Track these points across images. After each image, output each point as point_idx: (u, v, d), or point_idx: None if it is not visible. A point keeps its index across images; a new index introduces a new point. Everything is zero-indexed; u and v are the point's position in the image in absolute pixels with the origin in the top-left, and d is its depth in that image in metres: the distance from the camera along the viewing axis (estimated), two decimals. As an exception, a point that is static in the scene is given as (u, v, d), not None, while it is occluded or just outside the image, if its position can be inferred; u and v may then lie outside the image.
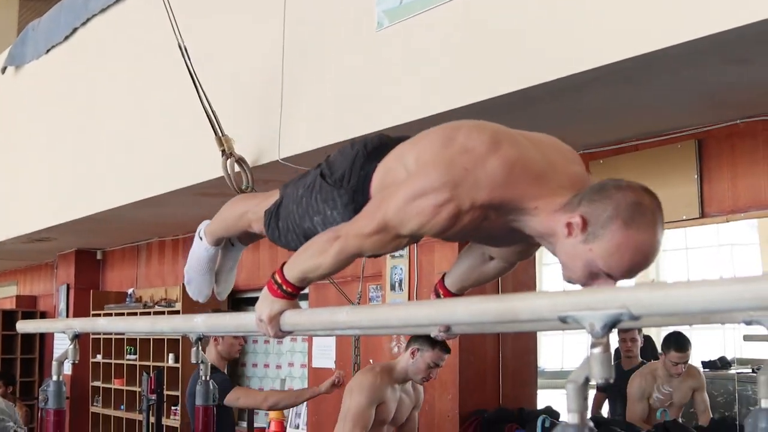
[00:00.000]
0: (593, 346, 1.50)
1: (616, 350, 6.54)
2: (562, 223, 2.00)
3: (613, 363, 1.52)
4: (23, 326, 3.94)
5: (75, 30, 8.47)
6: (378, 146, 2.42)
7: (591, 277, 1.98)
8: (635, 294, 1.45)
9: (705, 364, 8.56)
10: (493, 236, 2.29)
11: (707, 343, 9.43)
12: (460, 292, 2.71)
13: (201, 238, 3.02)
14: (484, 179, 2.04)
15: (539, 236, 2.11)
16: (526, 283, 6.42)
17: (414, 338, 4.71)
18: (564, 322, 1.56)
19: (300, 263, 2.28)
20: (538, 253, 6.32)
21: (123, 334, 9.07)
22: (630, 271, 1.96)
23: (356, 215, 2.26)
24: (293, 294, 2.31)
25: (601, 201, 1.96)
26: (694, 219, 5.06)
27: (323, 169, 2.49)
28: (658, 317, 1.45)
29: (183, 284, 8.73)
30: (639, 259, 1.94)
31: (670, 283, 1.42)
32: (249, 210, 2.80)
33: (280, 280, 2.29)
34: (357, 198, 2.37)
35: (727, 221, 5.02)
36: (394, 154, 2.34)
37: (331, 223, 2.40)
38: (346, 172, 2.40)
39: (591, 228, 1.95)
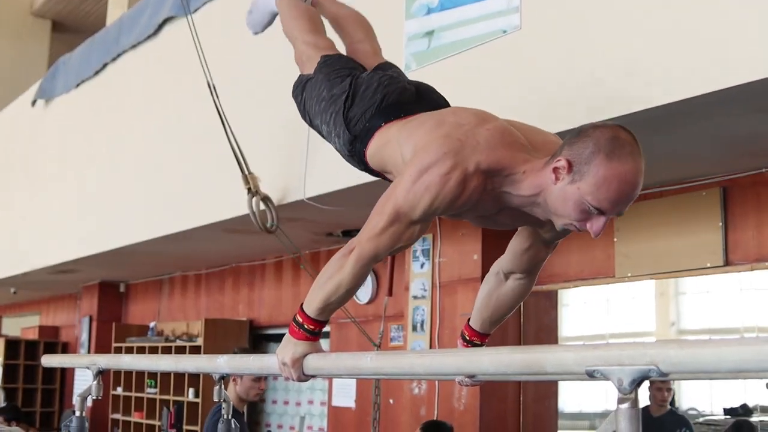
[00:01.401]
0: (621, 401, 1.50)
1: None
2: (548, 173, 2.10)
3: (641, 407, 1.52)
4: (48, 360, 3.94)
5: (105, 65, 8.58)
6: (393, 104, 2.56)
7: (583, 216, 2.08)
8: (665, 351, 1.45)
9: (727, 411, 8.49)
10: (490, 216, 2.35)
11: (728, 390, 9.34)
12: (484, 328, 2.70)
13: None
14: (481, 143, 2.16)
15: (530, 201, 2.19)
16: (548, 325, 6.41)
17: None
18: (591, 377, 1.55)
19: (319, 291, 2.27)
20: (558, 295, 6.35)
21: (145, 368, 9.07)
22: (618, 203, 2.05)
23: (366, 221, 2.28)
24: (316, 332, 2.30)
25: (581, 141, 2.06)
26: (718, 267, 5.04)
27: (351, 92, 2.65)
28: (688, 374, 1.45)
29: (204, 319, 8.79)
30: (625, 189, 2.03)
31: (700, 341, 1.42)
32: (299, 40, 3.06)
33: (301, 320, 2.29)
34: (355, 144, 2.59)
35: (752, 270, 4.99)
36: (396, 132, 2.45)
37: (333, 142, 2.69)
38: (358, 116, 2.58)
39: (576, 167, 2.05)
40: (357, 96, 2.63)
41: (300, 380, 2.33)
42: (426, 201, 2.14)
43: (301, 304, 2.31)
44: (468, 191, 2.14)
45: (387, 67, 2.94)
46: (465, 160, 2.12)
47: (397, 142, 2.40)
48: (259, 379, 5.01)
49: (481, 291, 2.73)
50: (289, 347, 2.29)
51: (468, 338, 2.73)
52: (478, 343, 2.71)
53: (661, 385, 6.27)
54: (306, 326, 2.28)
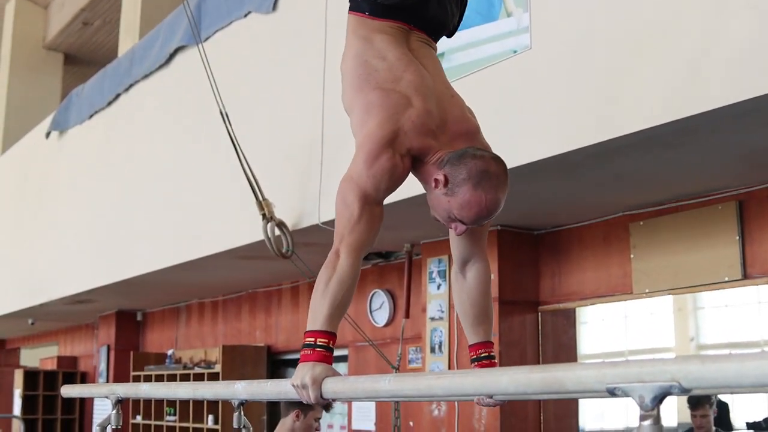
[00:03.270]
0: (643, 419, 1.48)
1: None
2: (433, 177, 2.48)
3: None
4: (68, 391, 3.94)
5: (118, 96, 8.63)
6: (391, 6, 2.69)
7: (449, 220, 2.47)
8: (686, 366, 1.43)
9: (750, 425, 8.43)
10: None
11: (751, 404, 9.28)
12: (479, 336, 2.69)
13: None
14: (408, 132, 2.51)
15: (426, 183, 2.54)
16: (567, 343, 6.38)
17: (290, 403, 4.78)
18: (612, 395, 1.54)
19: (321, 301, 2.31)
20: (576, 313, 6.32)
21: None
22: (476, 220, 2.45)
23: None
24: (329, 347, 2.29)
25: (459, 165, 2.43)
26: (736, 280, 5.01)
27: None
28: (710, 390, 1.43)
29: (222, 346, 8.77)
30: (483, 213, 2.42)
31: (721, 356, 1.40)
32: None
33: (312, 339, 2.28)
34: None
35: (771, 282, 4.97)
36: (361, 48, 2.66)
37: None
38: None
39: (450, 185, 2.43)
40: None
41: (317, 401, 2.30)
42: (386, 181, 2.46)
43: (306, 330, 2.31)
44: (407, 168, 2.51)
45: None
46: (400, 146, 2.48)
47: (350, 60, 2.66)
48: (318, 419, 4.97)
49: (455, 303, 2.76)
50: (306, 369, 2.26)
51: (476, 357, 2.70)
52: (485, 354, 2.69)
53: (695, 413, 6.10)
54: (319, 342, 2.27)
